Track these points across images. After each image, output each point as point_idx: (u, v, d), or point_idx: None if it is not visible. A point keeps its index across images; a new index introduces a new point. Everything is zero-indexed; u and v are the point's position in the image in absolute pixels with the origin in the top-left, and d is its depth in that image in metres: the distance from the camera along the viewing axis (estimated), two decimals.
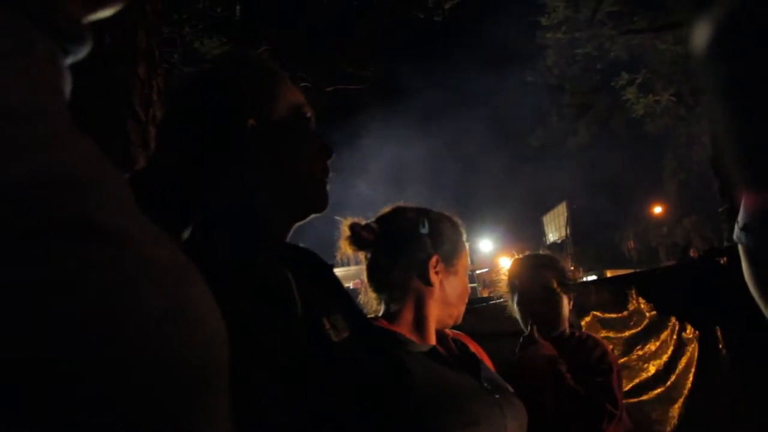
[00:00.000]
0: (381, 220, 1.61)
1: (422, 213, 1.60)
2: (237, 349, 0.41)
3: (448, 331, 1.63)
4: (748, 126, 0.51)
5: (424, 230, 1.55)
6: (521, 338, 2.02)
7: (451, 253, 1.59)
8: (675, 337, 3.42)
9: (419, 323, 1.52)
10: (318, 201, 1.09)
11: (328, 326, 0.93)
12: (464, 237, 1.67)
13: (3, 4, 0.36)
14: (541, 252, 2.40)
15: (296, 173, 1.05)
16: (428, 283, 1.53)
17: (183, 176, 0.99)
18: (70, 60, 0.42)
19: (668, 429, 3.20)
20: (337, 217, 1.56)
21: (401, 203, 1.65)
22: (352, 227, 1.55)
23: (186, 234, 0.98)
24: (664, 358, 3.37)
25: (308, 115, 1.09)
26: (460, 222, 1.68)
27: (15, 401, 0.28)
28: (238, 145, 1.00)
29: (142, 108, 2.97)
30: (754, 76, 0.47)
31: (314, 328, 0.91)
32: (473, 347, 1.69)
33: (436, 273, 1.54)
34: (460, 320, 1.63)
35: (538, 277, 2.13)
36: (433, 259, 1.54)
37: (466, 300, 1.65)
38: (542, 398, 1.81)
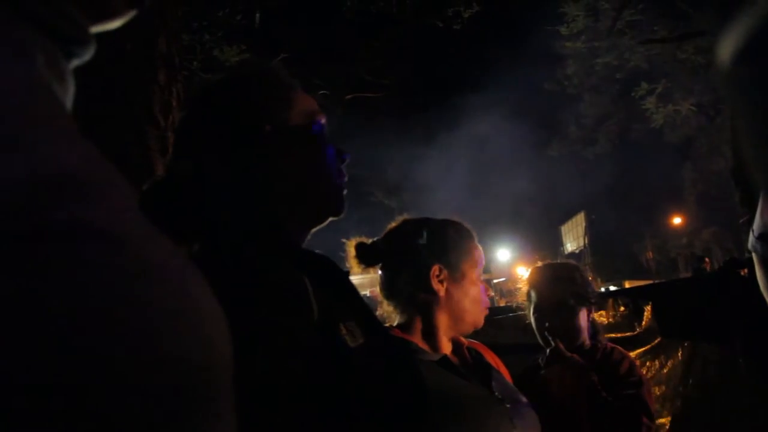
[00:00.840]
0: (386, 235, 1.63)
1: (422, 224, 1.60)
2: (242, 349, 0.41)
3: (463, 339, 1.63)
4: None
5: (422, 241, 1.56)
6: (548, 351, 1.98)
7: (456, 260, 1.58)
8: (685, 357, 3.37)
9: (429, 332, 1.52)
10: (335, 205, 1.10)
11: (344, 332, 0.93)
12: (473, 240, 1.66)
13: (4, 7, 0.36)
14: (559, 261, 2.37)
15: (312, 177, 1.06)
16: (433, 293, 1.53)
17: (200, 181, 1.00)
18: (74, 63, 0.42)
19: None
20: (343, 240, 1.59)
21: (406, 216, 1.66)
22: (357, 247, 1.57)
23: (203, 239, 0.99)
24: (672, 376, 3.33)
25: (322, 121, 1.10)
26: (466, 226, 1.67)
27: (16, 405, 0.27)
28: (255, 150, 1.01)
29: (162, 114, 3.00)
30: None
31: (330, 333, 0.91)
32: (489, 357, 1.68)
33: (441, 282, 1.54)
34: (480, 324, 1.61)
35: (554, 289, 2.08)
36: (435, 269, 1.53)
37: (483, 304, 1.63)
38: (576, 411, 1.79)
